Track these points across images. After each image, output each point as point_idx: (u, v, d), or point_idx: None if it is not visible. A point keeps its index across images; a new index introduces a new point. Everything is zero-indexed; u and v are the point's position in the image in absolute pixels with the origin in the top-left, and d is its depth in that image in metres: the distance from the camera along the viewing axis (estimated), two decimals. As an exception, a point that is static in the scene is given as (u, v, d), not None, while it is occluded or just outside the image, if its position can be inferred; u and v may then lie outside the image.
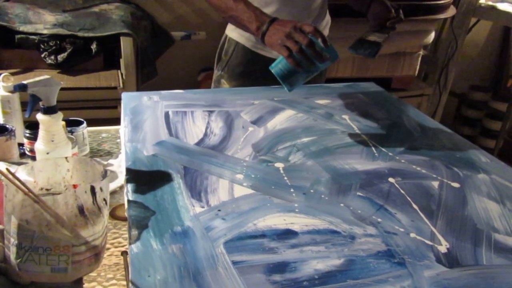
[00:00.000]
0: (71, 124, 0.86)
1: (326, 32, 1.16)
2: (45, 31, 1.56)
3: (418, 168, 0.72)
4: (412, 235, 0.56)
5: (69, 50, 1.55)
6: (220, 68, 1.16)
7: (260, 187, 0.65)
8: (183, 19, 2.03)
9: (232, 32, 1.12)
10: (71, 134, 0.83)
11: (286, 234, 0.55)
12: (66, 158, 0.58)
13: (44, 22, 1.59)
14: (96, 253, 0.52)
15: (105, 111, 1.51)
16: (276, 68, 0.78)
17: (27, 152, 0.85)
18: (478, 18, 2.15)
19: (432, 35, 1.89)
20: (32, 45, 1.56)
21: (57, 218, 0.48)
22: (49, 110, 0.70)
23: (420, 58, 1.92)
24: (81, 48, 1.58)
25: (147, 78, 1.75)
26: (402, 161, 0.74)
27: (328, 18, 1.17)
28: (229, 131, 0.82)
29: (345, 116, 0.91)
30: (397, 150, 0.78)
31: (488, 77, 2.59)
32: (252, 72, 1.12)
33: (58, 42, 1.56)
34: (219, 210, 0.59)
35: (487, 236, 0.57)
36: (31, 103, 0.70)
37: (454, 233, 0.57)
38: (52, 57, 1.55)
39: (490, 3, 2.08)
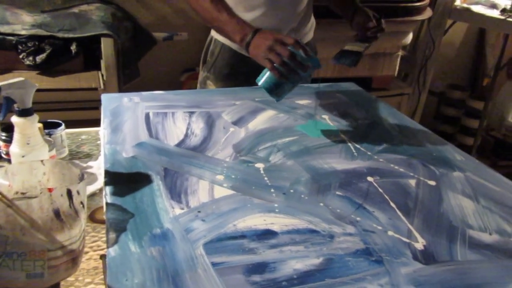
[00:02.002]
0: (49, 126, 0.85)
1: (310, 34, 1.18)
2: (23, 32, 1.53)
3: (396, 167, 0.74)
4: (390, 233, 0.57)
5: (48, 51, 1.52)
6: (206, 70, 1.16)
7: (240, 188, 0.65)
8: (165, 20, 2.02)
9: (217, 34, 1.12)
10: (49, 137, 0.81)
11: (266, 235, 0.56)
12: (42, 161, 0.57)
13: (22, 23, 1.55)
14: (73, 258, 0.51)
15: (85, 112, 1.49)
16: (262, 81, 0.80)
17: (3, 155, 0.83)
18: (454, 19, 2.21)
19: (410, 36, 1.93)
20: (9, 46, 1.52)
21: (32, 223, 0.47)
22: (24, 113, 0.68)
23: (399, 59, 1.96)
24: (61, 49, 1.55)
25: (129, 79, 1.73)
26: (381, 160, 0.76)
27: (312, 20, 1.18)
28: (210, 132, 0.82)
29: (325, 116, 0.92)
30: (376, 149, 0.79)
31: (465, 77, 2.66)
32: (238, 73, 1.12)
33: (36, 43, 1.53)
34: (199, 212, 0.59)
35: (462, 232, 0.59)
36: (5, 105, 0.69)
37: (430, 230, 0.59)
38: (31, 58, 1.52)
39: (465, 5, 2.13)
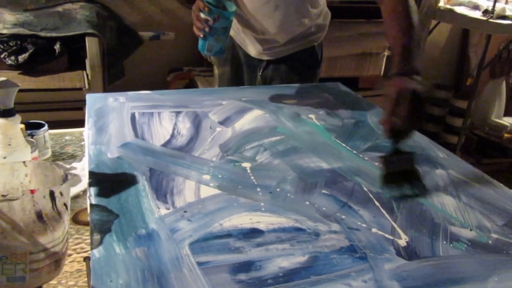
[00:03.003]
0: (32, 127, 0.83)
1: (312, 42, 1.13)
2: (4, 31, 1.50)
3: (381, 166, 0.75)
4: (374, 230, 0.58)
5: (30, 51, 1.50)
6: None
7: (226, 187, 0.65)
8: (151, 19, 2.00)
9: None
10: (32, 138, 0.80)
11: (252, 233, 0.56)
12: (24, 162, 0.56)
13: (3, 22, 1.52)
14: (56, 260, 0.50)
15: (70, 112, 1.47)
16: (198, 45, 0.96)
17: (-16, 157, 0.81)
18: (438, 20, 2.24)
19: (396, 36, 1.95)
20: (-10, 45, 1.49)
21: (13, 225, 0.46)
22: (6, 113, 0.67)
23: (385, 59, 1.98)
24: (44, 48, 1.53)
25: (114, 79, 1.71)
26: (366, 158, 0.77)
27: (316, 29, 1.12)
28: (197, 132, 0.82)
29: (312, 116, 0.92)
30: (361, 148, 0.80)
31: (449, 76, 2.70)
32: (236, 58, 1.17)
33: (18, 42, 1.50)
34: (185, 211, 0.59)
35: (444, 228, 0.60)
36: (-14, 106, 0.67)
37: (413, 227, 0.60)
38: (12, 57, 1.49)
39: (448, 6, 2.17)
